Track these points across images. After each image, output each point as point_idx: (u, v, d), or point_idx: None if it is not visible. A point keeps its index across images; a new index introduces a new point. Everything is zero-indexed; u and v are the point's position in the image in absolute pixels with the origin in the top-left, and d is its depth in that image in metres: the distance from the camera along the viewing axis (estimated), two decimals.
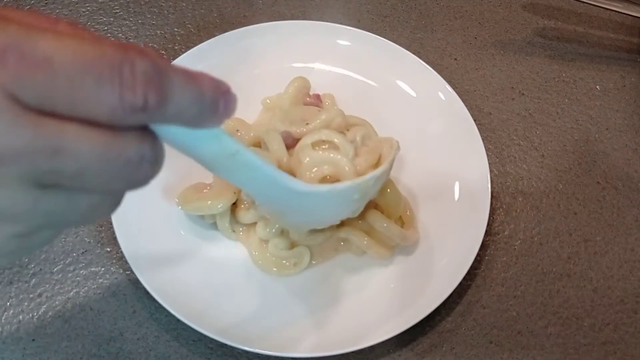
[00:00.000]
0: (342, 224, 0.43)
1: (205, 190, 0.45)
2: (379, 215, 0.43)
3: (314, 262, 0.44)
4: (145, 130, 0.22)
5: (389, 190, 0.44)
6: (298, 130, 0.44)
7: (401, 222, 0.45)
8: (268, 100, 0.50)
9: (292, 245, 0.44)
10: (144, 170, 0.22)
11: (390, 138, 0.43)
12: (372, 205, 0.43)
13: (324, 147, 0.42)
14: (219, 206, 0.43)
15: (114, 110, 0.20)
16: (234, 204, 0.44)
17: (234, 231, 0.45)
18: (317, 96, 0.49)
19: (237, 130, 0.47)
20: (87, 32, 0.22)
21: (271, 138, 0.43)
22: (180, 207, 0.44)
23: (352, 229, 0.44)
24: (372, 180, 0.37)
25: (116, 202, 0.23)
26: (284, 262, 0.44)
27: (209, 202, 0.43)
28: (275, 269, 0.44)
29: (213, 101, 0.22)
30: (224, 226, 0.44)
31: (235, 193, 0.44)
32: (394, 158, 0.40)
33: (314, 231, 0.44)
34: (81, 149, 0.20)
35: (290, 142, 0.44)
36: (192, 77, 0.22)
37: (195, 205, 0.44)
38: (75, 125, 0.20)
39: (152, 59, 0.20)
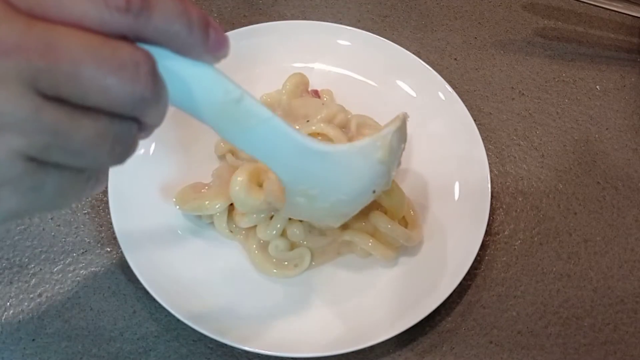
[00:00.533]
0: (346, 226, 0.43)
1: (203, 190, 0.45)
2: (382, 217, 0.43)
3: (314, 264, 0.44)
4: (138, 46, 0.22)
5: (392, 191, 0.44)
6: (297, 127, 0.44)
7: (405, 222, 0.45)
8: (268, 98, 0.50)
9: (293, 246, 0.44)
10: (143, 80, 0.21)
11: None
12: (375, 206, 0.43)
13: (318, 139, 0.42)
14: (217, 206, 0.43)
15: (100, 11, 0.20)
16: (232, 204, 0.44)
17: (231, 232, 0.45)
18: (316, 92, 0.50)
19: None
20: None
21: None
22: (177, 207, 0.44)
23: (356, 231, 0.44)
24: (390, 135, 0.35)
25: (124, 133, 0.22)
26: (284, 263, 0.44)
27: (207, 202, 0.43)
28: (275, 270, 0.44)
29: (202, 26, 0.23)
30: (221, 227, 0.44)
31: None
32: (404, 119, 0.38)
33: (317, 234, 0.44)
34: (73, 46, 0.20)
35: None
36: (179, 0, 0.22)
37: (193, 205, 0.44)
38: (66, 27, 0.20)
39: None
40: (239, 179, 0.40)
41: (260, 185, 0.41)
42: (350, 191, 0.36)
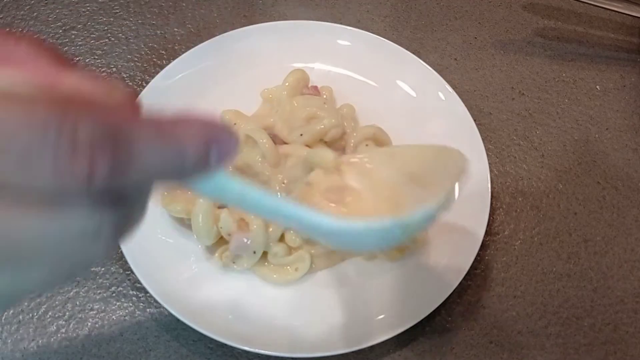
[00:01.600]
0: None
1: (190, 192, 0.45)
2: None
3: (315, 267, 0.44)
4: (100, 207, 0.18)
5: None
6: (290, 138, 0.45)
7: None
8: (269, 95, 0.50)
9: (291, 250, 0.44)
10: (102, 245, 0.18)
11: (453, 150, 0.34)
12: None
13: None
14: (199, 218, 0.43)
15: (52, 185, 0.16)
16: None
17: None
18: (315, 88, 0.50)
19: (235, 123, 0.47)
20: (51, 52, 0.19)
21: (259, 134, 0.44)
22: (162, 207, 0.44)
23: None
24: (417, 219, 0.28)
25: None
26: (286, 268, 0.43)
27: (190, 206, 0.43)
28: (275, 275, 0.43)
29: (199, 154, 0.19)
30: (201, 238, 0.43)
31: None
32: (457, 180, 0.31)
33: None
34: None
35: (277, 142, 0.45)
36: (165, 131, 0.18)
37: (177, 207, 0.43)
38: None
39: (101, 117, 0.17)
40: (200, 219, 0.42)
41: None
42: (361, 251, 0.38)
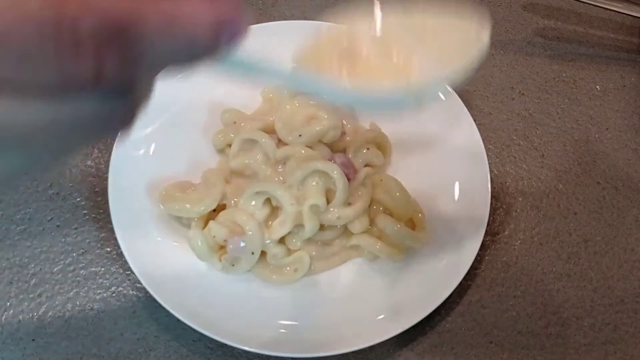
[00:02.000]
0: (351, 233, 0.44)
1: (189, 190, 0.45)
2: (389, 219, 0.43)
3: (314, 269, 0.44)
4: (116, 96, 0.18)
5: (397, 193, 0.44)
6: (289, 139, 0.45)
7: (412, 224, 0.45)
8: (269, 94, 0.50)
9: (290, 252, 0.44)
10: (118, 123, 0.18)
11: (474, 23, 0.31)
12: (381, 209, 0.44)
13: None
14: (199, 209, 0.43)
15: (58, 82, 0.16)
16: (214, 211, 0.44)
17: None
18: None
19: (235, 122, 0.47)
20: None
21: (259, 135, 0.44)
22: (160, 204, 0.44)
23: (363, 236, 0.43)
24: (431, 90, 0.29)
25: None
26: (285, 269, 0.44)
27: (187, 205, 0.43)
28: (275, 277, 0.43)
29: (210, 37, 0.18)
30: (196, 245, 0.43)
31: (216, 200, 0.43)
32: (474, 53, 0.29)
33: (321, 244, 0.44)
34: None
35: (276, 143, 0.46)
36: (175, 18, 0.17)
37: (174, 205, 0.44)
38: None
39: (104, 11, 0.15)
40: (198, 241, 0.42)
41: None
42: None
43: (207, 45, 0.18)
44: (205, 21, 0.18)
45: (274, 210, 0.43)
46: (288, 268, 0.43)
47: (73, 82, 0.16)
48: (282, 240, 0.43)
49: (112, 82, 0.16)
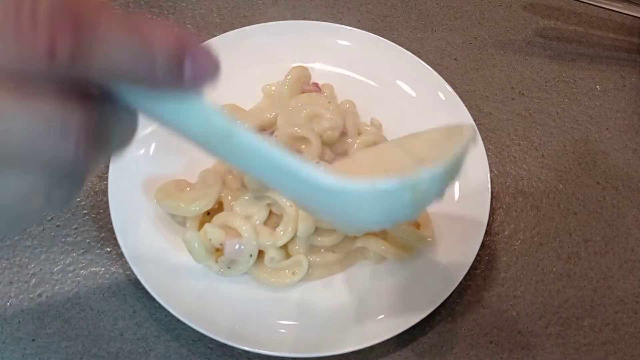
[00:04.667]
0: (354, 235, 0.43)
1: (186, 189, 0.45)
2: None
3: (312, 274, 0.44)
4: (71, 100, 0.18)
5: None
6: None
7: (417, 224, 0.45)
8: (270, 90, 0.50)
9: (289, 255, 0.43)
10: (71, 144, 0.17)
11: (461, 126, 0.33)
12: None
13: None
14: (194, 208, 0.43)
15: (17, 58, 0.16)
16: (209, 212, 0.44)
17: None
18: (316, 85, 0.50)
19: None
20: None
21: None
22: (156, 201, 0.44)
23: (368, 237, 0.43)
24: (428, 178, 0.25)
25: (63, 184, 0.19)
26: (284, 272, 0.43)
27: (182, 204, 0.43)
28: (272, 280, 0.43)
29: (170, 58, 0.18)
30: (192, 247, 0.42)
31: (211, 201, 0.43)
32: (465, 148, 0.29)
33: (324, 251, 0.44)
34: None
35: None
36: (134, 26, 0.17)
37: (169, 203, 0.43)
38: None
39: None
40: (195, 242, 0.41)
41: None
42: (363, 227, 0.32)
43: (167, 66, 0.18)
44: (164, 40, 0.18)
45: (272, 214, 0.43)
46: (286, 271, 0.43)
47: (28, 60, 0.16)
48: (283, 245, 0.43)
49: (64, 67, 0.17)
